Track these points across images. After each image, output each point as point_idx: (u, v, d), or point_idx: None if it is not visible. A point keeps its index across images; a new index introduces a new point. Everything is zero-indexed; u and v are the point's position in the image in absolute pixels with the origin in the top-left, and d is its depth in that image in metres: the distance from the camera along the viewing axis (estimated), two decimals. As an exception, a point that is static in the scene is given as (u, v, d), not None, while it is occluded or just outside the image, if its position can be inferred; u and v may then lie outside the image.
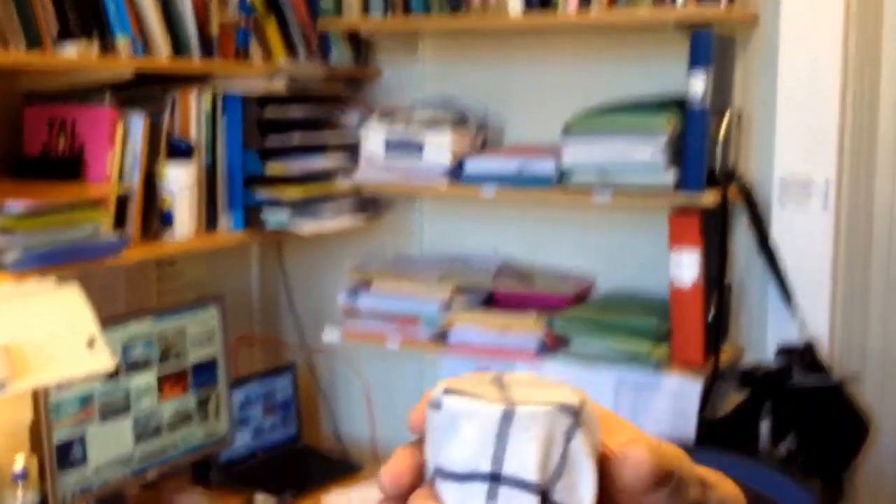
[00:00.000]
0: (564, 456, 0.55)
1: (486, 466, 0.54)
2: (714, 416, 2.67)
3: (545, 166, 2.62)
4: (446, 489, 0.55)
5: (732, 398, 2.63)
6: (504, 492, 0.55)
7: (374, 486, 2.85)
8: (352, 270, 3.00)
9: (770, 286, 2.68)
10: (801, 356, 2.62)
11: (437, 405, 0.56)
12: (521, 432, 0.54)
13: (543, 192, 2.64)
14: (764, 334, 2.71)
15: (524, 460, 0.55)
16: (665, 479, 0.55)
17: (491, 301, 2.87)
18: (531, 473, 0.54)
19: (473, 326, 2.77)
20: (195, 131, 2.52)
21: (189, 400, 2.72)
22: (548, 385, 0.58)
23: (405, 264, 2.96)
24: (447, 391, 0.56)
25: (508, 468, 0.54)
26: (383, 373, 3.22)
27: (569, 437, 0.55)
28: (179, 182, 2.43)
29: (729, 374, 2.65)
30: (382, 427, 3.23)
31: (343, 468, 3.02)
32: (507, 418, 0.55)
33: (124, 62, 2.31)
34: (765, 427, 2.54)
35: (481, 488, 0.55)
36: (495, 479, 0.55)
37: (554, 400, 0.55)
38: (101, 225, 2.22)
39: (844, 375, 2.63)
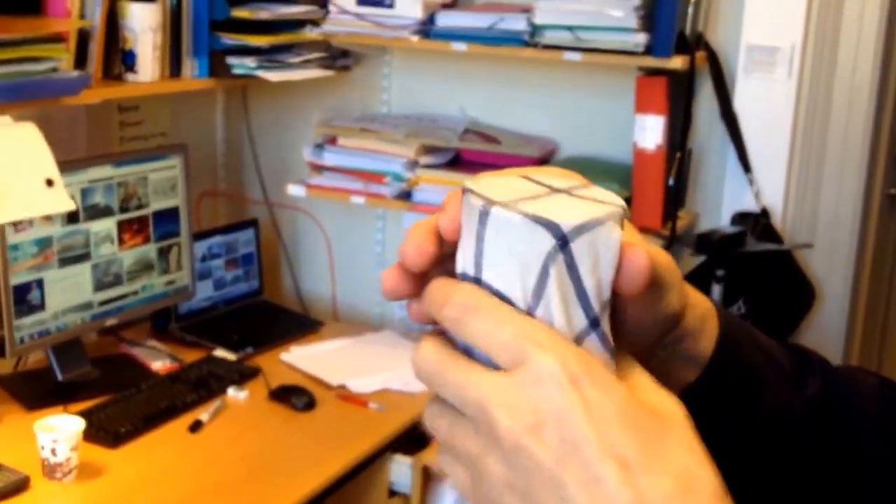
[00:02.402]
0: (542, 281, 0.49)
1: (470, 270, 0.51)
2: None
3: (517, 23, 2.44)
4: None
5: (687, 262, 2.51)
6: None
7: (334, 344, 2.67)
8: (318, 125, 2.79)
9: (729, 153, 2.57)
10: (755, 223, 2.54)
11: (464, 192, 0.51)
12: (495, 235, 0.49)
13: (514, 50, 2.45)
14: (720, 202, 2.63)
15: (498, 270, 0.49)
16: (656, 280, 0.53)
17: (457, 161, 2.69)
18: (505, 287, 0.49)
19: (438, 186, 2.60)
20: (160, -31, 2.26)
21: (150, 249, 2.50)
22: (600, 202, 0.50)
23: (372, 121, 2.75)
24: (475, 184, 0.51)
25: (487, 276, 0.50)
26: (346, 230, 3.03)
27: (547, 261, 0.48)
28: (142, 21, 2.18)
29: (685, 238, 2.54)
30: (343, 284, 3.05)
31: (303, 324, 2.84)
32: (483, 217, 0.49)
33: None
34: (716, 291, 2.47)
35: None
36: (477, 284, 0.50)
37: (552, 214, 0.48)
38: (62, 61, 1.98)
39: (795, 243, 2.56)
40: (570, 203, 0.50)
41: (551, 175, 0.54)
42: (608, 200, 0.51)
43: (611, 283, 0.50)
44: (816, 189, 2.63)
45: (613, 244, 0.49)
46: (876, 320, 3.16)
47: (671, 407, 0.50)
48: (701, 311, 0.62)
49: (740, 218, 2.56)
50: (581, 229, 0.48)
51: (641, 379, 0.51)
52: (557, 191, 0.51)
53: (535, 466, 0.47)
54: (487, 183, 0.51)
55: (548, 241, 0.48)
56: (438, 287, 0.51)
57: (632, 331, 0.55)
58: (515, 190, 0.51)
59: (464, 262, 0.51)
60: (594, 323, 0.50)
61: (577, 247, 0.48)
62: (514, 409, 0.47)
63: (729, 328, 0.64)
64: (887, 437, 0.70)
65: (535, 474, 0.47)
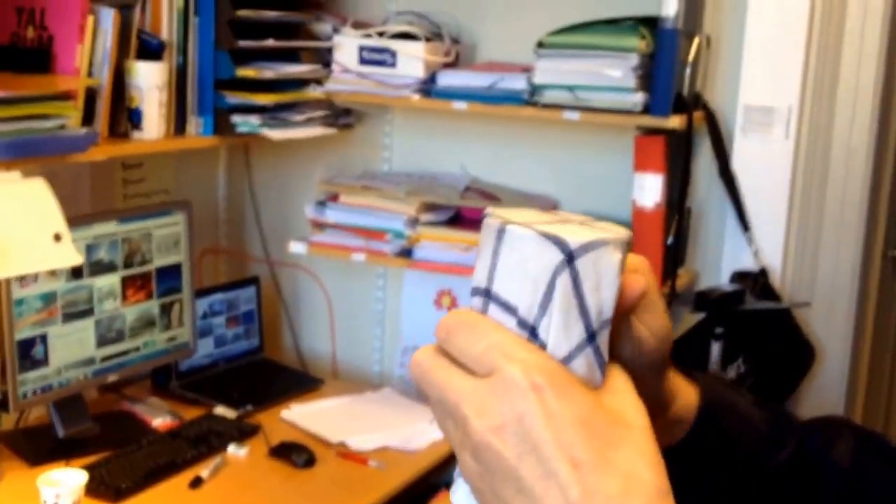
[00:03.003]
0: (549, 293, 0.55)
1: (483, 283, 0.57)
2: (669, 336, 2.60)
3: (517, 83, 2.51)
4: (472, 302, 0.59)
5: (686, 320, 2.55)
6: (493, 309, 0.57)
7: (334, 402, 2.71)
8: (320, 183, 2.85)
9: (728, 213, 2.62)
10: (754, 282, 2.57)
11: (484, 216, 0.58)
12: (509, 251, 0.56)
13: (514, 109, 2.51)
14: (719, 261, 2.66)
15: (508, 283, 0.56)
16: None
17: (457, 218, 2.75)
18: (514, 297, 0.56)
19: (438, 244, 2.65)
20: (166, 29, 2.33)
21: (153, 305, 2.55)
22: (607, 231, 0.57)
23: (373, 179, 2.81)
24: (495, 210, 0.58)
25: (497, 287, 0.56)
26: (346, 288, 3.08)
27: (555, 275, 0.54)
28: (149, 80, 2.25)
29: (685, 297, 2.58)
30: (343, 342, 3.10)
31: (303, 382, 2.88)
32: (500, 234, 0.56)
33: (98, -50, 2.12)
34: (716, 349, 2.50)
35: (479, 302, 0.58)
36: (487, 294, 0.57)
37: (562, 233, 0.55)
38: (70, 119, 2.04)
39: (794, 302, 2.60)
40: (579, 229, 0.57)
41: (567, 213, 0.61)
42: (614, 230, 0.58)
43: (613, 302, 0.56)
44: (815, 248, 2.67)
45: (613, 265, 0.56)
46: (881, 381, 3.19)
47: (635, 415, 0.57)
48: (686, 401, 0.73)
49: (739, 277, 2.59)
50: (587, 247, 0.55)
51: (619, 386, 0.58)
52: (570, 221, 0.58)
53: (498, 461, 0.54)
54: (507, 211, 0.59)
55: (556, 257, 0.55)
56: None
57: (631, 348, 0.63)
58: (531, 217, 0.58)
59: (478, 277, 0.58)
60: (592, 337, 0.56)
61: (581, 264, 0.55)
62: (483, 411, 0.55)
63: (712, 398, 0.74)
64: (858, 492, 0.80)
65: (498, 468, 0.54)
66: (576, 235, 0.55)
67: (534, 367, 0.54)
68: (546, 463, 0.53)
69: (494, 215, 0.57)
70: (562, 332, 0.55)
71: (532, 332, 0.56)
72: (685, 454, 0.73)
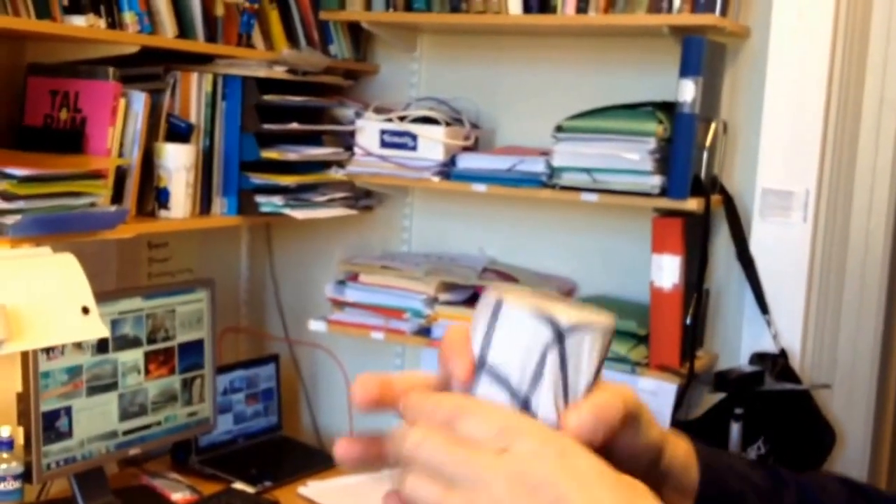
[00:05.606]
0: (540, 367, 0.59)
1: (478, 349, 0.61)
2: (687, 417, 2.67)
3: (536, 166, 2.61)
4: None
5: (706, 401, 2.61)
6: (484, 379, 0.61)
7: (352, 479, 2.81)
8: (340, 262, 2.98)
9: (747, 295, 2.67)
10: (774, 364, 2.62)
11: (484, 291, 0.64)
12: (503, 323, 0.60)
13: (533, 191, 2.62)
14: (738, 343, 2.71)
15: (502, 355, 0.60)
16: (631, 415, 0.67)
17: (475, 298, 2.84)
18: (505, 369, 0.60)
19: (456, 323, 2.74)
20: (195, 113, 2.49)
21: (175, 380, 2.67)
22: (592, 312, 0.62)
23: (393, 259, 2.94)
24: (496, 287, 0.63)
25: (491, 358, 0.60)
26: (364, 367, 3.17)
27: (545, 350, 0.59)
28: (177, 161, 2.39)
29: (704, 377, 2.64)
30: (360, 421, 3.20)
31: (321, 460, 2.97)
32: (496, 308, 0.61)
33: (131, 37, 2.27)
34: (735, 430, 2.53)
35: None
36: (481, 365, 0.61)
37: (554, 310, 0.59)
38: (101, 197, 2.18)
39: (814, 384, 2.64)
40: (570, 306, 0.62)
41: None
42: (600, 314, 0.63)
43: (589, 385, 0.62)
44: (835, 331, 2.72)
45: (596, 350, 0.61)
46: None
47: (637, 481, 0.62)
48: (683, 449, 0.78)
49: (759, 359, 2.63)
50: (576, 328, 0.60)
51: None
52: (562, 300, 0.64)
53: None
54: (503, 286, 0.67)
55: (548, 333, 0.60)
56: (422, 398, 0.63)
57: (627, 458, 0.69)
58: (526, 293, 0.64)
59: (473, 348, 0.63)
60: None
61: (570, 344, 0.60)
62: (513, 479, 0.58)
63: (709, 461, 0.80)
64: None
65: None
66: (567, 315, 0.60)
67: (549, 436, 0.59)
68: None
69: (493, 290, 0.63)
70: (551, 405, 0.60)
71: (524, 404, 0.60)
72: None
